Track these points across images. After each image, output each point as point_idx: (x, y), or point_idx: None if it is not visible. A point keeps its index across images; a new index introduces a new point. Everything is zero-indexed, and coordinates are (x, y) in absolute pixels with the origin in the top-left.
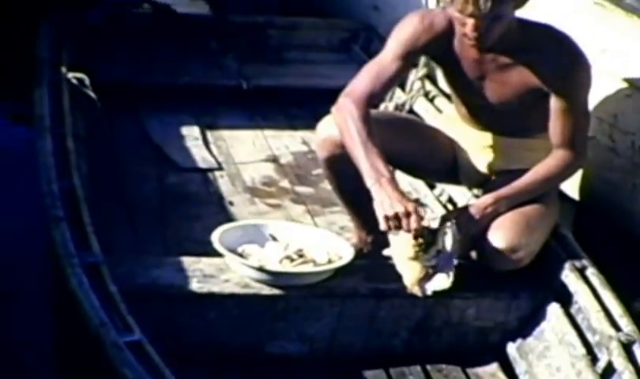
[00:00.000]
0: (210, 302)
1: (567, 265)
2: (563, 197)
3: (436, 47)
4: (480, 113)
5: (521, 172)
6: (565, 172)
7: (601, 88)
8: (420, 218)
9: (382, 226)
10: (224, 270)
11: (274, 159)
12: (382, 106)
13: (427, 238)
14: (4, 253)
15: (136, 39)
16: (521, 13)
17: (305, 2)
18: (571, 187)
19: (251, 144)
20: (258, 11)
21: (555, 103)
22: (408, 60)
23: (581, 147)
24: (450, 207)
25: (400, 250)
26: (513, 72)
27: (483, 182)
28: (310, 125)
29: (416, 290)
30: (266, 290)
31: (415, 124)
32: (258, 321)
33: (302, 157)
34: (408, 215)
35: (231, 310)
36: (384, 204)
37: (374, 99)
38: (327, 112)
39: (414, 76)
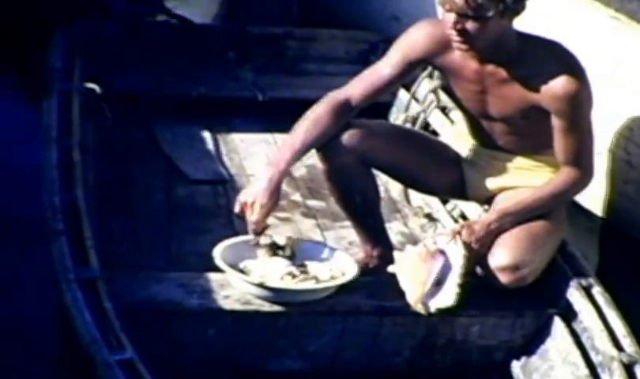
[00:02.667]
0: (209, 318)
1: (573, 283)
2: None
3: (438, 57)
4: (484, 128)
5: (528, 189)
6: (572, 190)
7: (617, 101)
8: (263, 221)
9: (235, 207)
10: (225, 286)
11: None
12: (393, 118)
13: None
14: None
15: (152, 50)
16: (534, 24)
17: (325, 14)
18: (592, 201)
19: (264, 157)
20: (277, 22)
21: (555, 121)
22: (404, 67)
23: (588, 164)
24: (462, 222)
25: (404, 267)
26: (513, 86)
27: (490, 199)
28: None
29: (420, 308)
30: (267, 307)
31: (420, 138)
32: (259, 338)
33: (315, 170)
34: (252, 206)
35: (230, 327)
36: (249, 187)
37: (355, 100)
38: None
39: (428, 87)
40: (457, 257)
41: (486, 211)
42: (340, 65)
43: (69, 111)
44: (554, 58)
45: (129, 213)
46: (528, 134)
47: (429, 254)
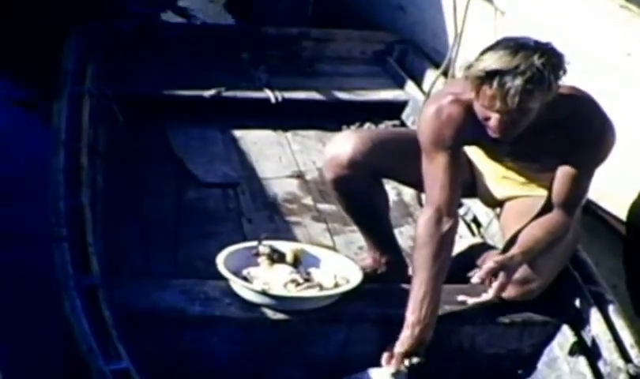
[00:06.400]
0: (212, 326)
1: (583, 291)
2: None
3: (460, 136)
4: (496, 157)
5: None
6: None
7: (626, 92)
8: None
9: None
10: (229, 293)
11: (299, 175)
12: (407, 118)
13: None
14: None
15: (165, 51)
16: (545, 15)
17: (339, 11)
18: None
19: (277, 159)
20: (292, 22)
21: (566, 168)
22: (453, 153)
23: (575, 216)
24: (474, 226)
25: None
26: (536, 144)
27: (498, 202)
28: None
29: None
30: (270, 315)
31: None
32: (262, 346)
33: None
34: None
35: (233, 335)
36: (402, 343)
37: (450, 214)
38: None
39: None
40: None
41: (497, 216)
42: (356, 66)
43: (79, 114)
44: (581, 120)
45: (139, 217)
46: (539, 169)
47: None
